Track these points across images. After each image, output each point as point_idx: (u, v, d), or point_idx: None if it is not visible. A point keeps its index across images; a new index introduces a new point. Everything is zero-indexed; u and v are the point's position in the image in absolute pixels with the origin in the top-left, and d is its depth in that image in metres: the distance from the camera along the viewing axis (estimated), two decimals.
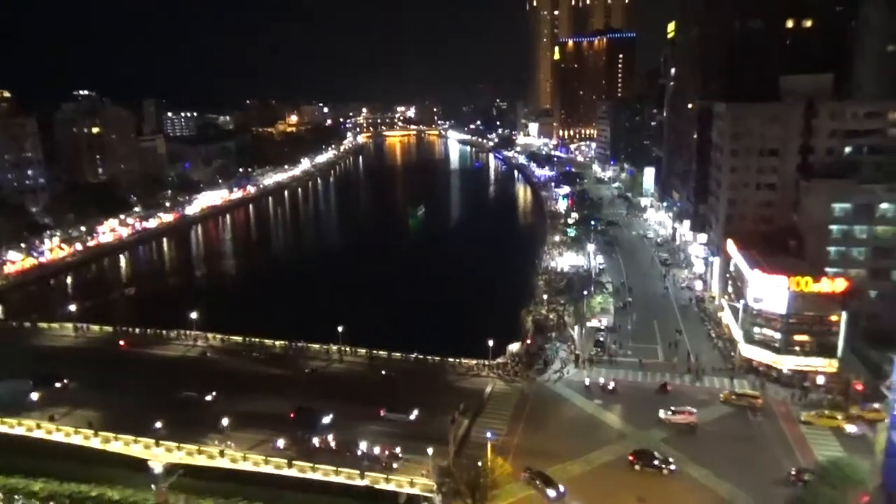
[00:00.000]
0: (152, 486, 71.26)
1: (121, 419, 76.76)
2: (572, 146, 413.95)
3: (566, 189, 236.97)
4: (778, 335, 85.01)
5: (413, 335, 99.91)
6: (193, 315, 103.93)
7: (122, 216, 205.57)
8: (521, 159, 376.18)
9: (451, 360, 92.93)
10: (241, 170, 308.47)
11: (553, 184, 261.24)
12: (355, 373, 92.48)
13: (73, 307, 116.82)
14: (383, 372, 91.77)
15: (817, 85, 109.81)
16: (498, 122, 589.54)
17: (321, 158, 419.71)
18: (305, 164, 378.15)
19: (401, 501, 65.58)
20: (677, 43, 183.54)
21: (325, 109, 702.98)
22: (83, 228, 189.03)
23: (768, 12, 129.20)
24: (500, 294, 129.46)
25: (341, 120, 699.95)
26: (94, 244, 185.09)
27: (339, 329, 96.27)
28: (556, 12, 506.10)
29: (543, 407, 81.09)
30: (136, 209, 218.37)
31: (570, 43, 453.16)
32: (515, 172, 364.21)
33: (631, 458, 67.54)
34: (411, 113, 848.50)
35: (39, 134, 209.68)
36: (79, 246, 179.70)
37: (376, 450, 69.32)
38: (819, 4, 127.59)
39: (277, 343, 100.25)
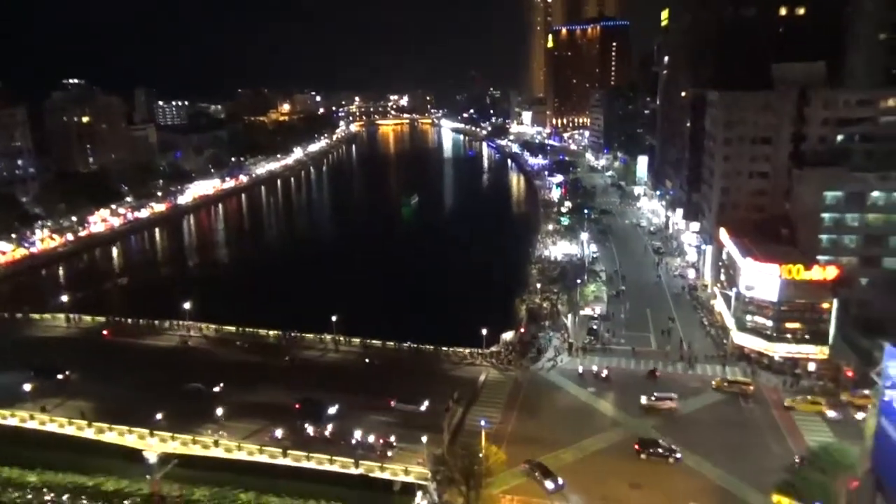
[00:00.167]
0: (147, 476, 71.35)
1: (122, 410, 76.50)
2: (566, 135, 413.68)
3: (559, 178, 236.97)
4: (770, 323, 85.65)
5: (407, 324, 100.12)
6: (186, 305, 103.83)
7: (113, 206, 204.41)
8: (515, 148, 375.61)
9: (444, 349, 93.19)
10: (233, 159, 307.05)
11: (546, 172, 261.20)
12: (350, 362, 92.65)
13: (65, 298, 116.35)
14: (367, 360, 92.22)
15: (810, 73, 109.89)
16: (491, 111, 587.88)
17: (314, 147, 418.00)
18: (298, 153, 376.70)
19: (395, 489, 65.91)
20: (670, 31, 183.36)
21: (318, 98, 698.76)
22: (74, 218, 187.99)
23: (761, 0, 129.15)
24: (493, 283, 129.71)
25: (334, 108, 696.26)
26: (85, 234, 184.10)
27: (333, 319, 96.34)
28: (549, 0, 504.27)
29: (537, 395, 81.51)
30: (128, 199, 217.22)
31: (564, 31, 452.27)
32: (509, 161, 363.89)
33: (636, 446, 67.79)
34: (404, 101, 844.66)
35: (29, 123, 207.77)
36: (70, 236, 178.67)
37: (371, 438, 69.62)
38: None
39: (271, 333, 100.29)
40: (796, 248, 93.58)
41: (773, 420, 74.27)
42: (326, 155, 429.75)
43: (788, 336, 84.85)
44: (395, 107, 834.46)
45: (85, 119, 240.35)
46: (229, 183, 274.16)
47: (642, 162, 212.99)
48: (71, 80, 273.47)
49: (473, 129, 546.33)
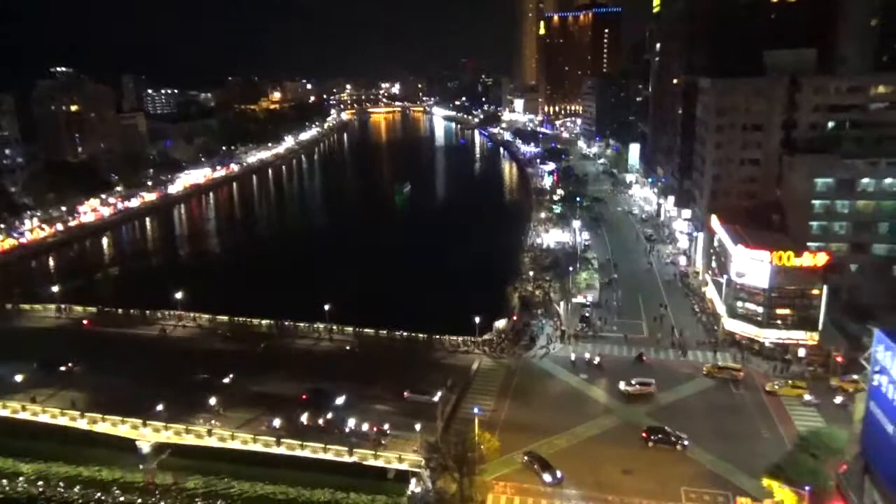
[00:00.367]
0: (140, 466, 71.47)
1: (118, 401, 76.04)
2: (558, 122, 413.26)
3: (551, 165, 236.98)
4: (760, 309, 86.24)
5: (400, 313, 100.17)
6: (178, 295, 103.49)
7: (103, 196, 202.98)
8: (507, 136, 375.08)
9: (437, 337, 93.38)
10: (223, 148, 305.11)
11: (538, 160, 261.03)
12: (344, 351, 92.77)
13: (55, 288, 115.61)
14: (347, 348, 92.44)
15: (801, 60, 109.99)
16: (483, 99, 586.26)
17: (305, 136, 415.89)
18: (289, 141, 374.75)
19: (389, 476, 66.23)
20: (662, 18, 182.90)
21: (309, 86, 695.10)
22: (64, 208, 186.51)
23: None
24: (486, 271, 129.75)
25: (325, 97, 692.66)
26: (75, 224, 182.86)
27: (326, 308, 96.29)
28: None
29: (530, 382, 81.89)
30: (118, 188, 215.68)
31: (556, 18, 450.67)
32: (501, 149, 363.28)
33: (644, 434, 68.10)
34: (396, 89, 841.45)
35: (16, 112, 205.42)
36: (60, 226, 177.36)
37: (365, 427, 69.82)
38: None
39: (264, 322, 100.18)
40: (787, 235, 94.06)
41: (764, 405, 74.95)
42: (318, 143, 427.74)
43: (779, 322, 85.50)
44: (386, 94, 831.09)
45: (73, 107, 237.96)
46: (220, 172, 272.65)
47: (634, 149, 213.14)
48: (58, 68, 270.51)
49: (465, 116, 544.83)
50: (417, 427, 66.95)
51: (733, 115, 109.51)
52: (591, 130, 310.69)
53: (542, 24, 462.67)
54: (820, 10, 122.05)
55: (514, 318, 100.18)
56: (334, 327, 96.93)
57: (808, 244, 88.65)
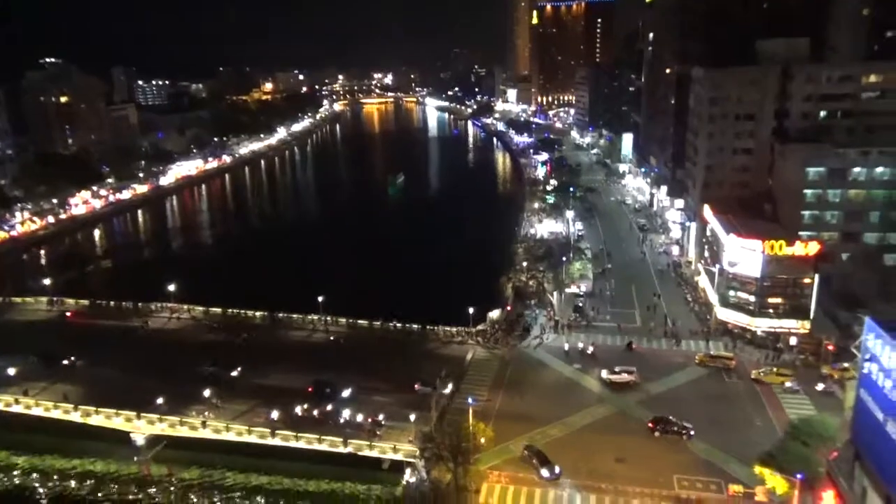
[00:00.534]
0: (135, 459, 71.49)
1: (124, 395, 75.80)
2: (551, 112, 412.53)
3: (545, 156, 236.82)
4: (752, 298, 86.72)
5: (394, 304, 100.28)
6: (171, 287, 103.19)
7: (94, 188, 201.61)
8: (500, 126, 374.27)
9: (431, 327, 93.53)
10: (215, 139, 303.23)
11: (532, 150, 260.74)
12: (337, 342, 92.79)
13: (47, 281, 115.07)
14: (331, 338, 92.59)
15: (793, 49, 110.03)
16: (476, 89, 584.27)
17: (297, 127, 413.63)
18: (282, 132, 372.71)
19: (384, 467, 66.49)
20: (655, 7, 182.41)
21: (301, 77, 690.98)
22: (55, 201, 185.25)
23: None
24: (480, 262, 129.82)
25: (317, 87, 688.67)
26: (66, 217, 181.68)
27: (320, 299, 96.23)
28: None
29: (523, 372, 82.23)
30: (109, 180, 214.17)
31: (549, 7, 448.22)
32: (494, 139, 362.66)
33: (650, 424, 68.40)
34: (388, 80, 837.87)
35: (5, 103, 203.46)
36: (51, 219, 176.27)
37: (360, 418, 70.01)
38: None
39: (257, 314, 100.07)
40: (779, 225, 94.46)
41: (756, 394, 75.53)
42: (311, 134, 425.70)
43: (770, 311, 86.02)
44: (379, 85, 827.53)
45: (63, 99, 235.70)
46: (212, 163, 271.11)
47: (627, 139, 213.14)
48: (48, 59, 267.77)
49: (458, 107, 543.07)
50: (412, 418, 67.12)
51: (726, 105, 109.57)
52: (585, 120, 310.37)
53: (534, 13, 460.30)
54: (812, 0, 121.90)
55: (508, 308, 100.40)
56: (328, 319, 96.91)
57: (800, 233, 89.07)
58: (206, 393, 74.23)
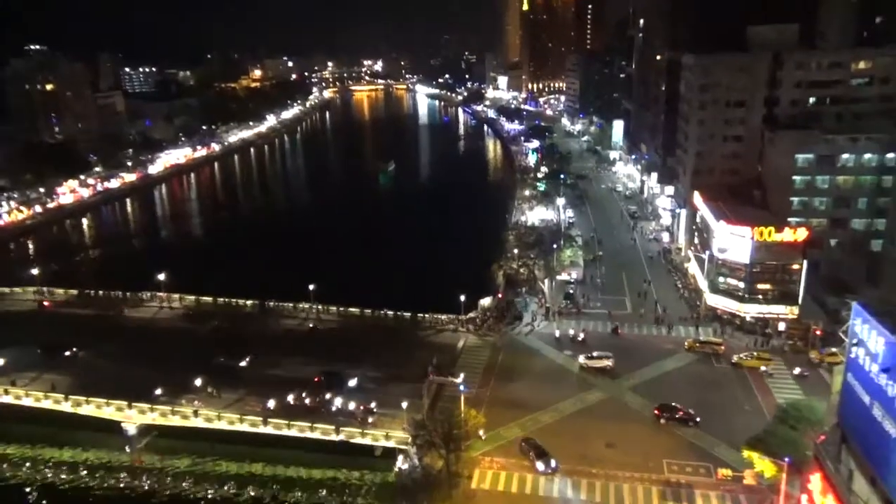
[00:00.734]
0: (127, 449, 71.39)
1: (122, 386, 75.14)
2: (541, 100, 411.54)
3: (535, 143, 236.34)
4: (742, 284, 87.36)
5: (385, 292, 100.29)
6: (161, 276, 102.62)
7: (82, 177, 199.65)
8: (491, 113, 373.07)
9: (423, 315, 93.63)
10: (204, 127, 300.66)
11: (522, 138, 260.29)
12: (329, 330, 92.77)
13: (35, 271, 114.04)
14: (311, 325, 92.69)
15: (783, 35, 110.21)
16: (467, 76, 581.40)
17: (287, 114, 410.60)
18: (271, 120, 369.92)
19: (377, 454, 66.76)
20: None
21: (290, 64, 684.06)
22: (42, 190, 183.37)
23: None
24: (471, 249, 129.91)
25: (306, 74, 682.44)
26: (54, 206, 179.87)
27: (311, 287, 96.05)
28: None
29: (515, 359, 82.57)
30: (97, 169, 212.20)
31: None
32: (485, 127, 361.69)
33: (656, 411, 68.61)
34: (378, 67, 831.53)
35: None
36: (38, 208, 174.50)
37: (352, 406, 70.15)
38: None
39: (248, 303, 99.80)
40: (768, 211, 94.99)
41: (745, 379, 76.29)
42: (300, 122, 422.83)
43: (759, 297, 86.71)
44: (369, 72, 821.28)
45: (49, 87, 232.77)
46: (201, 152, 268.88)
47: (618, 126, 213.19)
48: (32, 47, 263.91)
49: (449, 94, 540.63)
50: (404, 405, 67.40)
51: (716, 92, 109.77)
52: (575, 108, 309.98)
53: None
54: None
55: (500, 295, 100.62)
56: (319, 307, 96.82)
57: (789, 220, 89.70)
58: (198, 382, 73.94)
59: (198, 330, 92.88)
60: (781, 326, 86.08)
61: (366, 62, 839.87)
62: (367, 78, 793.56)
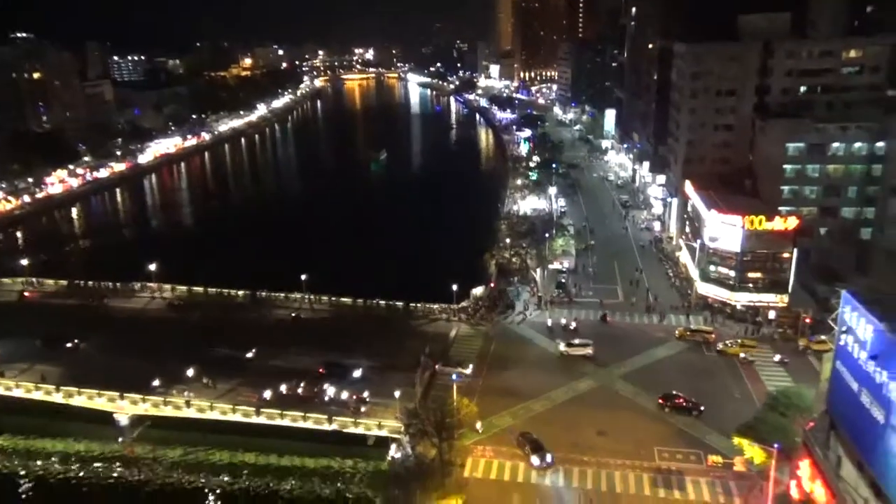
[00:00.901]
0: (119, 439, 71.29)
1: (114, 376, 74.88)
2: (534, 88, 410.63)
3: (528, 132, 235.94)
4: (732, 273, 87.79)
5: (377, 281, 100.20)
6: (152, 267, 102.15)
7: (71, 166, 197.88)
8: (483, 102, 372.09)
9: (415, 305, 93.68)
10: (194, 116, 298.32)
11: (514, 127, 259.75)
12: (323, 319, 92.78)
13: (24, 262, 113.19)
14: (292, 315, 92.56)
15: (774, 24, 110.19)
16: (459, 65, 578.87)
17: (278, 103, 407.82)
18: (262, 109, 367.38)
19: (370, 443, 66.97)
20: None
21: (280, 52, 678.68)
22: (30, 180, 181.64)
23: None
24: (463, 239, 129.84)
25: (297, 63, 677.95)
26: (43, 196, 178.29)
27: (303, 277, 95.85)
28: None
29: (507, 348, 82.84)
30: (86, 159, 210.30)
31: None
32: (477, 116, 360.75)
33: (660, 400, 68.82)
34: (370, 55, 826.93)
35: None
36: (26, 198, 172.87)
37: (344, 395, 70.22)
38: None
39: (240, 293, 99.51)
40: (759, 200, 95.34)
41: (735, 366, 76.84)
42: (291, 111, 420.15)
43: (750, 285, 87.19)
44: (360, 61, 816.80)
45: (36, 75, 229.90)
46: (191, 141, 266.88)
47: (610, 115, 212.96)
48: (18, 34, 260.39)
49: (441, 83, 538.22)
50: (397, 394, 67.56)
51: (707, 81, 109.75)
52: (567, 96, 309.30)
53: None
54: None
55: (492, 284, 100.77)
56: (312, 297, 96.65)
57: (780, 208, 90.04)
58: (190, 372, 73.83)
59: (188, 320, 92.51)
60: (772, 315, 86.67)
61: (357, 50, 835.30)
62: (358, 66, 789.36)
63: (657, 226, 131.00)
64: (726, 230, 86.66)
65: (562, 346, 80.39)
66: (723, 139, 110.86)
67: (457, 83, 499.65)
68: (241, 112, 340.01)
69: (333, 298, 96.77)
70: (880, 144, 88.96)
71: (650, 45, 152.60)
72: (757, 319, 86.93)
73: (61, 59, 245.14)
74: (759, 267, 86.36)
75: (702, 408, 67.50)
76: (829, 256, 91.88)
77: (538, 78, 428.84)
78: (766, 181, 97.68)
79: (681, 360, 79.45)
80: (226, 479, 66.83)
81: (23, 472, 68.90)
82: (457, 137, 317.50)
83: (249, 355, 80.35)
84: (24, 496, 66.48)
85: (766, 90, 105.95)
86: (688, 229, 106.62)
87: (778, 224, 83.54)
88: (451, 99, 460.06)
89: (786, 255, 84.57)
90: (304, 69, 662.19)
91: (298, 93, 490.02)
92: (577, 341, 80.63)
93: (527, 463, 60.74)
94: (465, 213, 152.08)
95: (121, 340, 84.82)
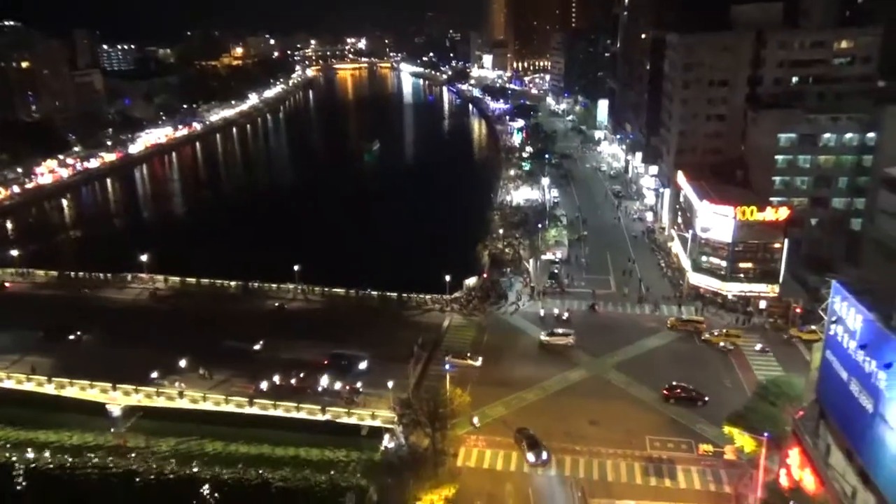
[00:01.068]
0: (111, 430, 71.19)
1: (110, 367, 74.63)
2: (526, 79, 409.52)
3: (520, 122, 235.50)
4: (724, 263, 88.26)
5: (370, 272, 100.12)
6: (144, 258, 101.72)
7: (61, 156, 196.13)
8: (476, 92, 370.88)
9: (408, 295, 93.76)
10: (185, 106, 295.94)
11: (507, 117, 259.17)
12: (316, 310, 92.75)
13: (14, 252, 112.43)
14: (276, 304, 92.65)
15: (767, 14, 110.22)
16: (452, 55, 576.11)
17: (269, 93, 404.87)
18: (253, 99, 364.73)
19: (363, 433, 67.16)
20: None
21: (272, 41, 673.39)
22: (20, 170, 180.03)
23: None
24: (456, 229, 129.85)
25: (289, 53, 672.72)
26: (32, 186, 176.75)
27: (296, 268, 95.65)
28: None
29: (500, 338, 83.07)
30: (76, 149, 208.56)
31: None
32: (470, 106, 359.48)
33: (664, 392, 68.91)
34: (362, 45, 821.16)
35: None
36: (16, 188, 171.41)
37: (337, 386, 70.31)
38: None
39: (232, 284, 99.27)
40: (750, 190, 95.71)
41: (726, 356, 77.39)
42: (283, 101, 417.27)
43: (741, 275, 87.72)
44: (352, 50, 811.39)
45: (24, 64, 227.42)
46: (182, 131, 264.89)
47: (603, 106, 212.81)
48: (6, 23, 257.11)
49: (433, 73, 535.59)
50: (390, 384, 67.66)
51: (700, 71, 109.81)
52: (560, 87, 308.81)
53: None
54: None
55: (485, 275, 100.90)
56: (304, 287, 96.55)
57: (771, 199, 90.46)
58: (182, 363, 73.73)
59: (180, 311, 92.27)
60: (763, 304, 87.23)
61: (349, 40, 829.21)
62: (350, 56, 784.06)
63: (649, 216, 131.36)
64: (718, 220, 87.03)
65: (542, 336, 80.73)
66: (715, 129, 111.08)
67: (449, 73, 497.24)
68: (233, 102, 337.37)
69: (326, 289, 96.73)
70: (871, 135, 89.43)
71: (643, 36, 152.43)
72: (748, 309, 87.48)
73: (50, 48, 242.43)
74: (751, 257, 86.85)
75: (706, 398, 67.53)
76: (819, 247, 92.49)
77: (531, 68, 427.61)
78: (758, 171, 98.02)
79: (672, 349, 79.94)
80: (219, 469, 66.85)
81: (16, 463, 68.71)
82: (450, 128, 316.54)
83: (257, 347, 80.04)
84: (17, 487, 66.31)
85: (758, 81, 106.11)
86: (680, 220, 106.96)
87: (769, 214, 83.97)
88: (444, 89, 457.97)
89: (777, 245, 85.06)
90: (295, 59, 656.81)
91: (290, 82, 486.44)
92: (559, 331, 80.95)
93: (523, 459, 60.57)
94: (458, 204, 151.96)
95: (113, 331, 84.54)
